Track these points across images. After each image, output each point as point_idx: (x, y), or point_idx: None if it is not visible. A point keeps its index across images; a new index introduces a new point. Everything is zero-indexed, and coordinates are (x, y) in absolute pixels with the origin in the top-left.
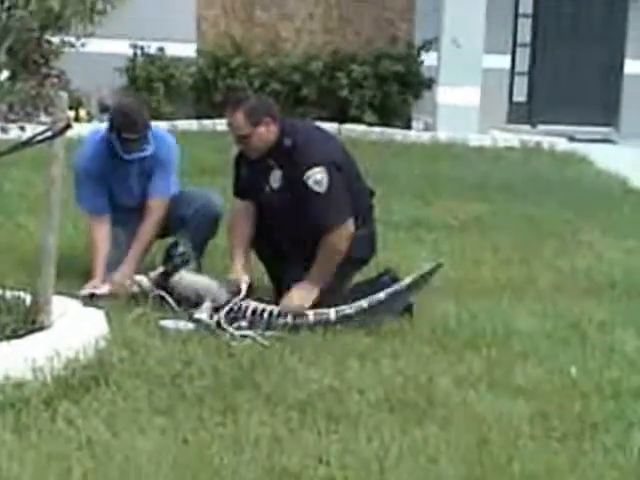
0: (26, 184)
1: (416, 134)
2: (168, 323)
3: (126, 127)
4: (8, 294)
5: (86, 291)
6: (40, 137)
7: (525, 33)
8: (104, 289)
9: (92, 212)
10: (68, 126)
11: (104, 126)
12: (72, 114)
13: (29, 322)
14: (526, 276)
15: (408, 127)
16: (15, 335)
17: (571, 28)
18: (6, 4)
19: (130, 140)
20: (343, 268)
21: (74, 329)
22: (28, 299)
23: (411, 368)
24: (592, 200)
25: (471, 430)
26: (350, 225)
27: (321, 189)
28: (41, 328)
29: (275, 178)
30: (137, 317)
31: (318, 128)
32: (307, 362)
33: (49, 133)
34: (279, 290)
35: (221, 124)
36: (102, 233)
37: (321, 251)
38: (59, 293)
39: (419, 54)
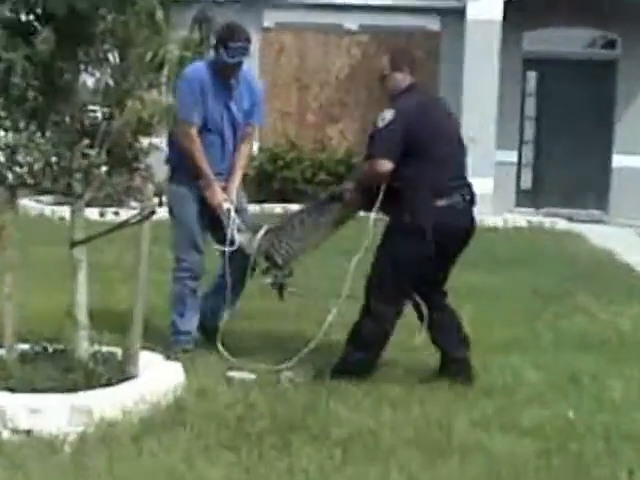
0: (119, 258)
1: None
2: (234, 374)
3: (231, 35)
4: (104, 349)
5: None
6: (132, 220)
7: (529, 132)
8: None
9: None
10: (153, 212)
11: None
12: (156, 201)
13: (120, 373)
14: (531, 335)
15: None
16: (109, 383)
17: (568, 128)
18: (106, 115)
19: (235, 48)
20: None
21: (157, 379)
22: (119, 353)
23: (435, 412)
24: (586, 271)
25: (485, 465)
26: (383, 164)
27: (380, 124)
28: (130, 377)
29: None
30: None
31: (434, 100)
32: (349, 406)
33: (139, 217)
34: None
35: (278, 207)
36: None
37: (358, 170)
38: (145, 348)
39: None
